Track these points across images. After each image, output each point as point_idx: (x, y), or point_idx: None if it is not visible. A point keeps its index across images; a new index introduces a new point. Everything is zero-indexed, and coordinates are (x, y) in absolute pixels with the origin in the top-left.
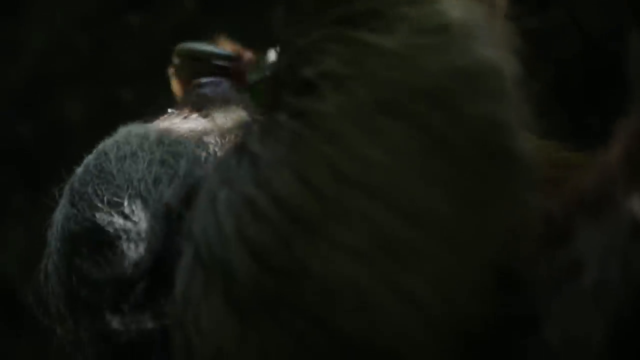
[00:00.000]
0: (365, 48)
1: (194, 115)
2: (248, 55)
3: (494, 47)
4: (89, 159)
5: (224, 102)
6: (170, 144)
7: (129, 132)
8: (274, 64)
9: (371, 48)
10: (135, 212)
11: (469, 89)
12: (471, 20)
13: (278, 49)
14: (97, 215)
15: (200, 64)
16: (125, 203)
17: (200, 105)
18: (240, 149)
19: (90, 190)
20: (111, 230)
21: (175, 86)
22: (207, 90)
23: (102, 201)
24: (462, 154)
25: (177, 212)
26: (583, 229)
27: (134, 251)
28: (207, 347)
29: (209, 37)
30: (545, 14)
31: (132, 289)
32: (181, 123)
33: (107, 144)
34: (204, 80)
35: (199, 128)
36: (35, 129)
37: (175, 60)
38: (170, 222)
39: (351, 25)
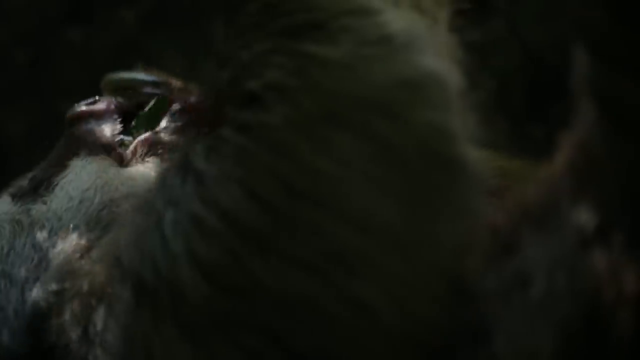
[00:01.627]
0: (310, 59)
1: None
2: (176, 82)
3: (437, 58)
4: None
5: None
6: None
7: None
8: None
9: (315, 59)
10: None
11: (413, 98)
12: (414, 31)
13: (219, 63)
14: None
15: (130, 94)
16: None
17: (78, 144)
18: (183, 168)
19: None
20: None
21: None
22: (87, 125)
23: None
24: (409, 163)
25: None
26: (530, 240)
27: None
28: None
29: (149, 52)
30: (487, 26)
31: None
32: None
33: None
34: (89, 109)
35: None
36: None
37: (105, 93)
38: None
39: (294, 37)
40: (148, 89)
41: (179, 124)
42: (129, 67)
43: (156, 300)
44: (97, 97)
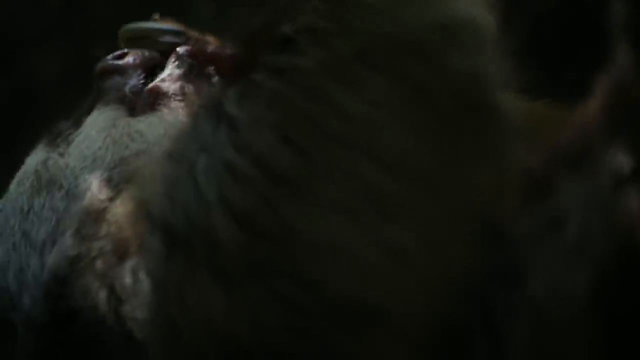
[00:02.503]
0: (344, 2)
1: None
2: (194, 32)
3: (472, 3)
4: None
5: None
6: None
7: (24, 171)
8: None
9: (350, 2)
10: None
11: (448, 42)
12: None
13: (252, 7)
14: None
15: (148, 43)
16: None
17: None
18: (215, 114)
19: None
20: None
21: None
22: (111, 79)
23: None
24: (443, 106)
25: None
26: (564, 183)
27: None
28: (196, 325)
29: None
30: None
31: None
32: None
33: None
34: (110, 64)
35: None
36: (9, 88)
37: (123, 43)
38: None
39: None
40: (166, 38)
41: (183, 70)
42: (162, 11)
43: (189, 249)
44: (125, 50)
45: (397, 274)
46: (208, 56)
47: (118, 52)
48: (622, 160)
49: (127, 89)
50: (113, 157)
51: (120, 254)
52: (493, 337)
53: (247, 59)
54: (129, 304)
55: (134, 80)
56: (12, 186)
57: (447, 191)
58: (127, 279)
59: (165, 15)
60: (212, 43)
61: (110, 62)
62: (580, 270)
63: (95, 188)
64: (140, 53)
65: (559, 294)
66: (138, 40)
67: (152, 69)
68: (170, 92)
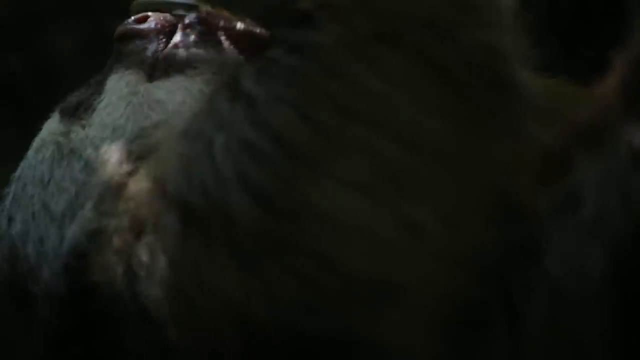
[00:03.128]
0: None
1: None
2: (206, 6)
3: None
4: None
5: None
6: (58, 162)
7: (42, 139)
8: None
9: None
10: (20, 275)
11: (466, 18)
12: None
13: None
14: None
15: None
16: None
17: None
18: (232, 91)
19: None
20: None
21: None
22: (149, 46)
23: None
24: (461, 82)
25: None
26: (581, 160)
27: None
28: (212, 302)
29: None
30: None
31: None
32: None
33: (31, 149)
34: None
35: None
36: (25, 63)
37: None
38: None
39: None
40: (179, 12)
41: (195, 37)
42: None
43: (206, 226)
44: (146, 14)
45: (415, 251)
46: (220, 27)
47: (139, 16)
48: (638, 138)
49: (147, 53)
50: (133, 127)
51: (138, 230)
52: (510, 314)
53: (265, 34)
54: (146, 281)
55: (154, 44)
56: (30, 154)
57: (466, 168)
58: (144, 256)
59: None
60: (225, 17)
61: (131, 25)
62: (597, 248)
63: (115, 161)
64: (161, 17)
65: (575, 271)
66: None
67: (173, 34)
68: (185, 58)
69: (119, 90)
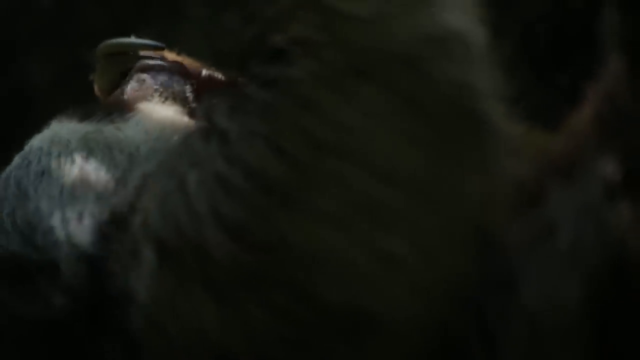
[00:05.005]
0: (336, 14)
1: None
2: (171, 54)
3: (461, 15)
4: (15, 162)
5: (166, 93)
6: (91, 151)
7: (54, 135)
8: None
9: (342, 14)
10: (48, 242)
11: (438, 54)
12: None
13: (244, 18)
14: (10, 242)
15: (128, 58)
16: (38, 232)
17: (149, 91)
18: (206, 128)
19: (5, 210)
20: (24, 261)
21: (100, 92)
22: (149, 78)
23: (15, 226)
24: (435, 116)
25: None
26: (556, 192)
27: (54, 288)
28: (190, 336)
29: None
30: None
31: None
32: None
33: (33, 146)
34: (146, 64)
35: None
36: (1, 92)
37: (99, 62)
38: (95, 256)
39: None
40: (148, 53)
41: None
42: (154, 15)
43: (181, 261)
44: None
45: (392, 282)
46: (188, 74)
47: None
48: (613, 170)
49: (183, 92)
50: (178, 141)
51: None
52: (488, 344)
53: (238, 69)
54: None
55: (182, 83)
56: (40, 145)
57: (440, 199)
58: (131, 278)
59: (159, 19)
60: (190, 64)
61: (157, 61)
62: (573, 279)
63: (154, 164)
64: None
65: (551, 302)
66: (116, 55)
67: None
68: (149, 97)
69: (162, 114)
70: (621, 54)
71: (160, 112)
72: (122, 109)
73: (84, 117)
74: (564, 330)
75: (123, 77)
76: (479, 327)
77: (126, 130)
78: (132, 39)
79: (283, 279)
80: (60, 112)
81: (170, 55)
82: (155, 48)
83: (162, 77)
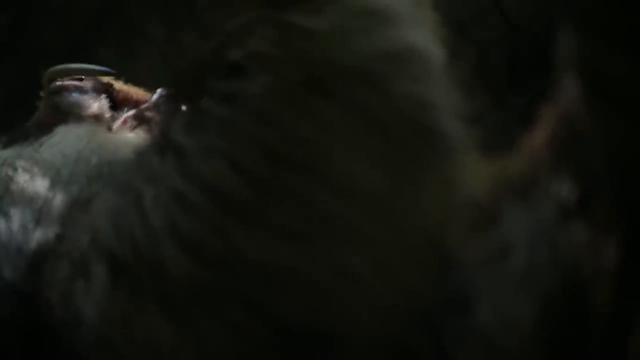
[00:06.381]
0: (294, 29)
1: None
2: (116, 83)
3: (419, 32)
4: None
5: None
6: (10, 179)
7: None
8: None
9: (300, 29)
10: None
11: (395, 70)
12: (397, 5)
13: (201, 33)
14: None
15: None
16: None
17: (64, 112)
18: (161, 144)
19: None
20: None
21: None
22: (72, 96)
23: None
24: (391, 132)
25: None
26: (511, 211)
27: None
28: (142, 355)
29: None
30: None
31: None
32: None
33: None
34: (59, 84)
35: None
36: None
37: (46, 87)
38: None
39: (279, 8)
40: (92, 76)
41: (165, 103)
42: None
43: (135, 278)
44: (82, 78)
45: (349, 299)
46: (104, 90)
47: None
48: (567, 190)
49: (97, 108)
50: (100, 158)
51: (74, 272)
52: None
53: (195, 85)
54: (76, 324)
55: (98, 100)
56: None
57: (398, 216)
58: (78, 299)
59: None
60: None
61: (71, 81)
62: (527, 300)
63: (81, 183)
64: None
65: (506, 322)
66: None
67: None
68: (151, 119)
69: (76, 133)
70: (577, 76)
71: (77, 131)
72: (39, 131)
73: (7, 141)
74: (517, 350)
75: None
76: (434, 345)
77: (43, 153)
78: (80, 65)
79: (240, 295)
80: (13, 127)
81: (116, 83)
82: (104, 74)
83: (76, 96)
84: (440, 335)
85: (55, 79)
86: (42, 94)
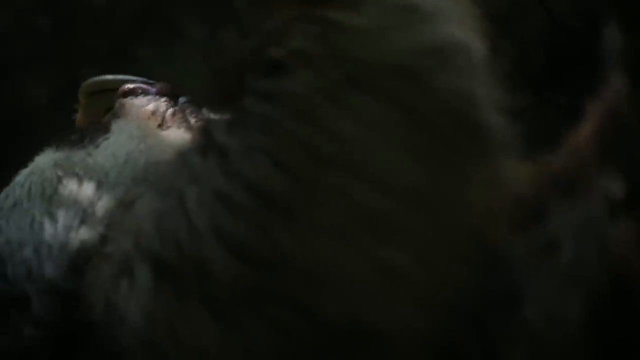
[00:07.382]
0: (335, 26)
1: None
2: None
3: (461, 27)
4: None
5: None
6: (60, 180)
7: (34, 165)
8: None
9: (340, 26)
10: (19, 275)
11: (438, 65)
12: (438, 0)
13: (242, 32)
14: None
15: (112, 96)
16: (8, 265)
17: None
18: (204, 144)
19: None
20: None
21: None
22: (135, 98)
23: None
24: (434, 127)
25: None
26: (557, 208)
27: (25, 320)
28: (187, 356)
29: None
30: None
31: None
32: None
33: (16, 178)
34: (126, 88)
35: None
36: None
37: (84, 98)
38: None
39: (319, 5)
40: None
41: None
42: (153, 34)
43: (179, 279)
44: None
45: (393, 295)
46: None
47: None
48: (615, 187)
49: (152, 106)
50: (148, 159)
51: (117, 273)
52: (489, 359)
53: (236, 84)
54: (119, 327)
55: (156, 101)
56: (19, 179)
57: (441, 211)
58: (121, 300)
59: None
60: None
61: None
62: (574, 296)
63: (127, 185)
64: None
65: (553, 318)
66: (99, 93)
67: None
68: (191, 114)
69: (129, 132)
70: (623, 72)
71: (130, 132)
72: (96, 133)
73: (60, 144)
74: (565, 347)
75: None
76: (480, 342)
77: (96, 156)
78: (115, 76)
79: (284, 295)
80: (58, 132)
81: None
82: (139, 83)
83: (141, 99)
84: (486, 331)
85: (90, 92)
86: (79, 99)
